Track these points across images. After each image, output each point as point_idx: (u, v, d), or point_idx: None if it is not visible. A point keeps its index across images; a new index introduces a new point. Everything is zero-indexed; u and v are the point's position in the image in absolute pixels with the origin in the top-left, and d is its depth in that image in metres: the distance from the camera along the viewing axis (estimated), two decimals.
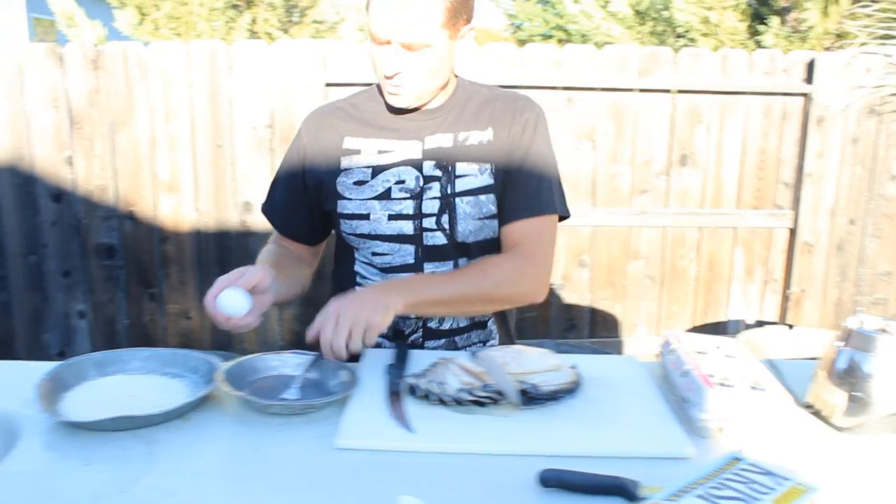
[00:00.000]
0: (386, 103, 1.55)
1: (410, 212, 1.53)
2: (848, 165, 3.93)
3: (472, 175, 1.53)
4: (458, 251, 1.56)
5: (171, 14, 4.84)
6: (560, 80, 3.74)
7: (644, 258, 4.00)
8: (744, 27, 4.89)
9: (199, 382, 1.31)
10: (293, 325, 3.91)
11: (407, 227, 1.54)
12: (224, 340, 3.87)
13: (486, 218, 1.54)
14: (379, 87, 1.56)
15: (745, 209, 3.98)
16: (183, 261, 3.81)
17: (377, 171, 1.54)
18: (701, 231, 3.99)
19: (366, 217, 1.54)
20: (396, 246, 1.55)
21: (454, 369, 1.28)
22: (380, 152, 1.55)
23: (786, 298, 4.07)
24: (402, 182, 1.53)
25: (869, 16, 4.04)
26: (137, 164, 3.70)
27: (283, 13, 5.21)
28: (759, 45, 4.78)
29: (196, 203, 3.76)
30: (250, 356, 1.39)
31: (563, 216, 1.58)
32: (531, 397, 1.23)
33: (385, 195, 1.53)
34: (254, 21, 5.00)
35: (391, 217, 1.53)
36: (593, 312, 4.05)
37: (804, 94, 3.84)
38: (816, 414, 1.26)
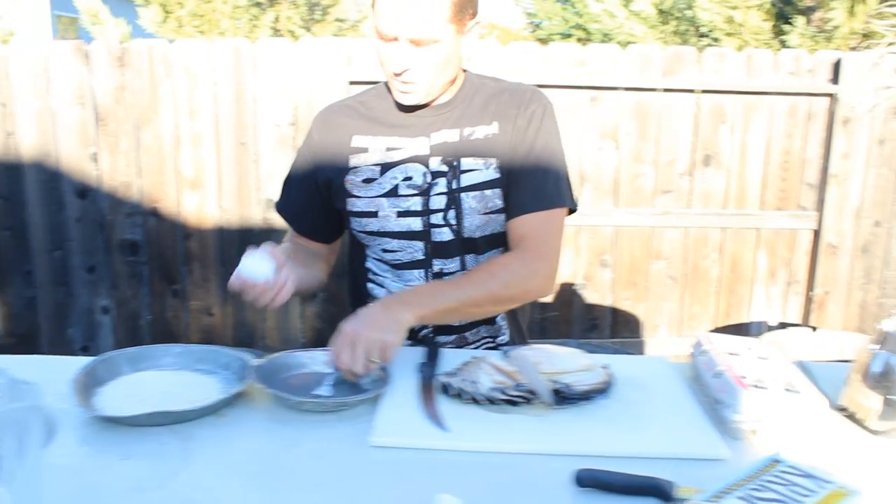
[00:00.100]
0: (394, 100, 1.55)
1: (418, 208, 1.53)
2: (874, 167, 3.90)
3: (478, 170, 1.52)
4: (465, 247, 1.55)
5: (194, 12, 4.86)
6: (583, 79, 3.73)
7: (666, 259, 3.98)
8: (768, 27, 4.86)
9: (231, 379, 1.31)
10: (315, 322, 3.93)
11: (415, 224, 1.54)
12: (246, 337, 3.90)
13: (493, 212, 1.53)
14: (387, 85, 1.56)
15: (768, 210, 3.95)
16: (206, 257, 3.84)
17: (385, 168, 1.54)
18: (724, 232, 3.97)
19: (374, 214, 1.55)
20: (405, 242, 1.55)
21: (486, 368, 1.28)
22: (388, 149, 1.55)
23: (809, 300, 4.04)
24: (410, 178, 1.53)
25: None
26: (161, 161, 3.73)
27: (306, 11, 5.22)
28: (783, 44, 4.74)
29: (219, 200, 3.78)
30: (281, 353, 1.40)
31: (572, 209, 1.57)
32: (564, 397, 1.22)
33: (393, 192, 1.53)
34: (277, 19, 5.02)
35: (400, 214, 1.53)
36: (615, 313, 4.04)
37: (830, 95, 3.81)
38: (850, 417, 1.25)
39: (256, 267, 1.33)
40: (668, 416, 1.22)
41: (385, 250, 1.58)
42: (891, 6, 4.13)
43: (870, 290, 4.06)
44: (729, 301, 4.06)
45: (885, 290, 4.04)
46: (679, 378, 1.38)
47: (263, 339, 3.92)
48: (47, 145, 3.66)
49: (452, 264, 1.56)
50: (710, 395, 1.27)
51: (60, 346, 3.84)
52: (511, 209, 1.53)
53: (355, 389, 1.28)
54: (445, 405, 1.23)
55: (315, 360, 1.39)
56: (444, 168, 1.52)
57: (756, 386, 1.19)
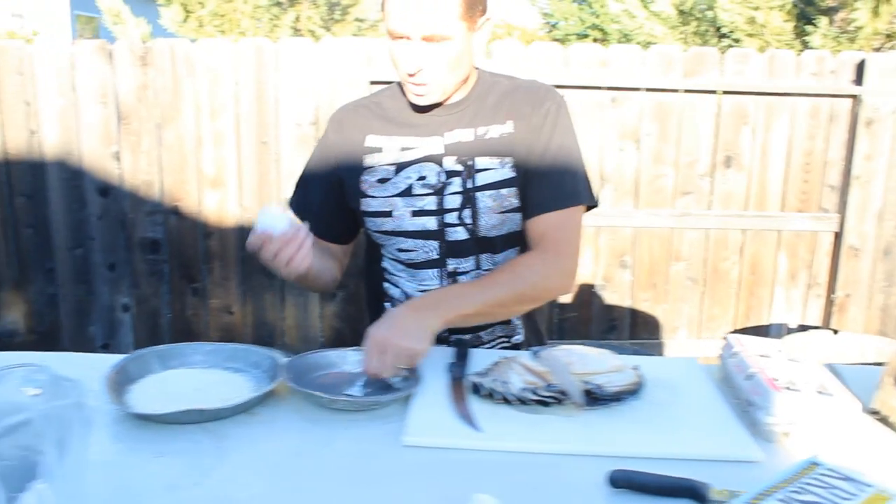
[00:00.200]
0: (408, 100, 1.55)
1: (433, 207, 1.53)
2: None
3: (493, 169, 1.52)
4: (481, 246, 1.55)
5: (215, 11, 4.88)
6: (604, 80, 3.72)
7: (686, 260, 3.97)
8: (790, 27, 4.83)
9: (262, 377, 1.32)
10: (333, 321, 3.94)
11: (430, 223, 1.54)
12: (266, 336, 3.91)
13: (509, 211, 1.53)
14: (401, 85, 1.56)
15: (789, 212, 3.93)
16: (226, 256, 3.85)
17: (400, 167, 1.54)
18: (744, 233, 3.95)
19: (389, 214, 1.55)
20: (420, 242, 1.56)
21: (517, 368, 1.28)
22: (402, 149, 1.55)
23: (830, 303, 4.01)
24: (424, 178, 1.53)
25: None
26: (183, 160, 3.75)
27: (326, 11, 5.23)
28: (805, 45, 4.71)
29: (240, 199, 3.79)
30: (310, 352, 1.40)
31: (591, 205, 1.57)
32: (595, 398, 1.22)
33: (407, 192, 1.54)
34: (297, 19, 5.04)
35: (414, 213, 1.54)
36: (634, 314, 4.03)
37: (853, 96, 3.79)
38: (883, 420, 1.24)
39: (272, 220, 1.32)
40: (699, 418, 1.22)
41: (400, 250, 1.58)
42: None
43: (892, 293, 4.02)
44: (749, 303, 4.04)
45: None
46: (708, 379, 1.38)
47: (283, 338, 3.93)
48: (70, 143, 3.69)
49: (467, 263, 1.56)
50: (742, 397, 1.27)
51: (81, 344, 3.86)
52: (529, 208, 1.53)
53: (387, 389, 1.29)
54: (476, 405, 1.23)
55: (345, 360, 1.39)
56: (459, 167, 1.52)
57: (789, 388, 1.18)
